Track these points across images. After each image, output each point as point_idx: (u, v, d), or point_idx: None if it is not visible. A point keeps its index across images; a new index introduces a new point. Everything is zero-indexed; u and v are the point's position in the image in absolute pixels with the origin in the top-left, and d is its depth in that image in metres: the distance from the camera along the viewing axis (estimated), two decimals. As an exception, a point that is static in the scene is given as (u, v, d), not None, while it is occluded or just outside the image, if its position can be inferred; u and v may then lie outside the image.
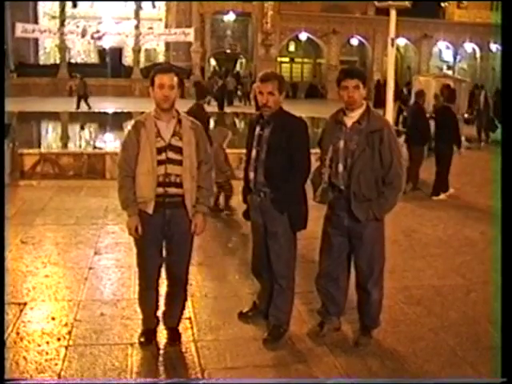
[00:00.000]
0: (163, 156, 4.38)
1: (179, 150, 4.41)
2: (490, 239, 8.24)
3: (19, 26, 43.17)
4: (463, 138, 20.77)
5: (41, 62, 48.40)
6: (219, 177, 8.28)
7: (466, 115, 22.36)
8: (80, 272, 6.43)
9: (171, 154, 4.39)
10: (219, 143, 9.33)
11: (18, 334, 4.88)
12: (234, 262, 6.96)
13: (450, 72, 49.49)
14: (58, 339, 4.82)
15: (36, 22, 46.66)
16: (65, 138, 19.13)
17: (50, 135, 20.93)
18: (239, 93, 38.28)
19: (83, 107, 27.90)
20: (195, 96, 9.49)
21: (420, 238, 8.32)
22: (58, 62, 45.60)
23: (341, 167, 4.59)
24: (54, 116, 25.04)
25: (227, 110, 30.00)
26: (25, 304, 5.50)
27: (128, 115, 23.17)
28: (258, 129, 4.76)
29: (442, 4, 65.94)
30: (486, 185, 12.01)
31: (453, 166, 11.63)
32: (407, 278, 6.56)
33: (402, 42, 48.80)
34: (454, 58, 55.15)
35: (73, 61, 47.90)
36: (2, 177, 9.79)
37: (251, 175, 4.76)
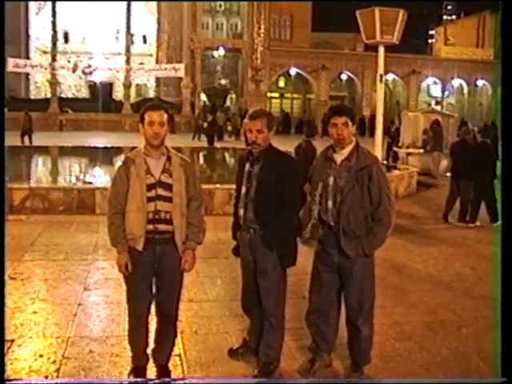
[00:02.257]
0: (153, 193, 4.39)
1: (169, 187, 4.42)
2: (480, 274, 8.25)
3: (11, 61, 43.40)
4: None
5: (32, 97, 48.66)
6: None
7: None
8: (69, 308, 6.38)
9: (161, 191, 4.40)
10: None
11: (4, 371, 4.82)
12: (224, 298, 6.92)
13: (438, 107, 50.08)
14: (46, 377, 4.75)
15: (27, 57, 47.01)
16: (55, 173, 19.11)
17: (40, 169, 20.91)
18: (229, 128, 38.49)
19: (29, 141, 27.09)
20: (305, 133, 9.76)
21: (410, 274, 8.31)
22: (48, 96, 45.90)
23: (330, 204, 4.62)
24: (43, 150, 25.05)
25: (217, 145, 30.10)
26: (12, 341, 5.43)
27: (118, 150, 23.25)
28: (247, 165, 4.79)
29: (430, 40, 66.85)
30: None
31: (444, 199, 11.73)
32: (398, 314, 6.54)
33: (390, 77, 49.47)
34: (442, 94, 55.90)
35: (63, 95, 48.23)
36: (2, 179, 9.67)
37: (241, 212, 4.77)
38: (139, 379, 4.29)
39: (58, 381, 4.19)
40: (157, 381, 4.28)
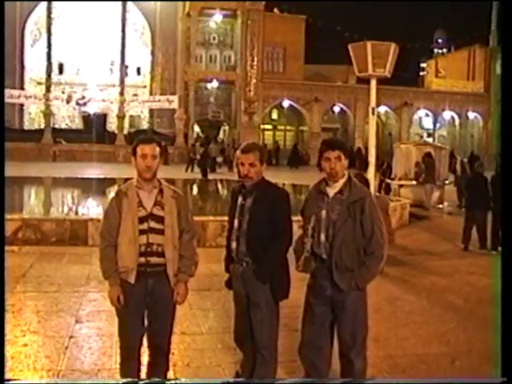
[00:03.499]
0: (145, 225, 4.41)
1: (161, 220, 4.44)
2: (474, 306, 8.25)
3: (5, 92, 43.59)
4: (445, 204, 21.11)
5: (25, 127, 48.75)
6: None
7: (446, 181, 22.68)
8: (60, 341, 6.33)
9: (153, 224, 4.43)
10: (385, 210, 9.66)
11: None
12: (216, 331, 6.89)
13: (430, 139, 50.44)
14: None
15: (22, 87, 47.22)
16: (47, 204, 19.07)
17: (33, 200, 20.88)
18: (222, 160, 38.58)
19: None
20: (358, 166, 9.87)
21: (403, 306, 8.30)
22: (42, 127, 45.97)
23: (323, 237, 4.64)
24: (37, 181, 25.05)
25: (210, 176, 30.15)
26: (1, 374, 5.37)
27: (112, 181, 23.27)
28: (240, 199, 4.81)
29: (421, 73, 67.52)
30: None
31: (437, 231, 11.79)
32: (391, 347, 6.52)
33: (383, 109, 49.86)
34: (434, 126, 56.36)
35: (57, 126, 48.36)
36: (3, 184, 9.62)
37: (233, 245, 4.79)
38: (146, 380, 4.25)
39: (58, 381, 4.16)
40: (164, 381, 4.25)
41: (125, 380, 4.24)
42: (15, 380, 4.04)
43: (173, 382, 4.30)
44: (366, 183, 9.09)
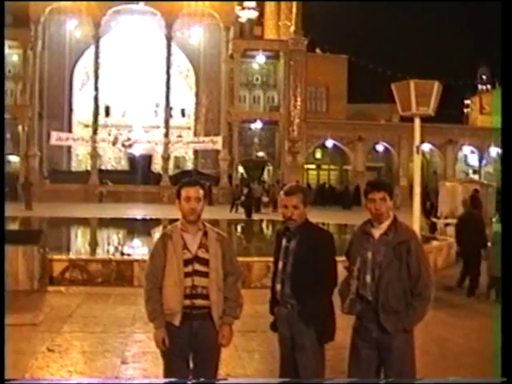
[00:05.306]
0: (190, 268, 4.44)
1: (206, 262, 4.46)
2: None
3: (54, 135, 44.86)
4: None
5: (73, 169, 49.75)
6: None
7: (493, 219, 22.25)
8: (106, 382, 6.34)
9: (198, 266, 4.45)
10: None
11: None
12: (262, 373, 6.82)
13: (476, 176, 49.71)
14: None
15: (70, 130, 48.34)
16: (94, 244, 19.33)
17: (80, 241, 21.19)
18: (266, 199, 38.57)
19: None
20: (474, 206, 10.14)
21: (452, 348, 8.12)
22: (89, 168, 46.81)
23: (368, 278, 4.60)
24: (83, 221, 25.44)
25: (255, 217, 30.17)
26: (49, 416, 5.41)
27: (156, 222, 23.51)
28: (284, 241, 4.81)
29: (465, 110, 66.96)
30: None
31: (485, 270, 11.60)
32: (440, 391, 6.35)
33: (427, 147, 49.38)
34: (480, 163, 55.52)
35: (103, 167, 49.21)
36: (3, 185, 9.78)
37: (278, 287, 4.78)
38: (146, 380, 4.22)
39: (58, 381, 4.14)
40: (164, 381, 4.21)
41: (139, 381, 4.22)
42: (15, 380, 4.03)
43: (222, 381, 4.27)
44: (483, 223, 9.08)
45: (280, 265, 4.78)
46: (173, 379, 4.33)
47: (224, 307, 4.53)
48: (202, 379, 4.32)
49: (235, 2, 48.57)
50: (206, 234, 4.55)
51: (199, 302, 4.43)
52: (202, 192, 4.51)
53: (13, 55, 47.59)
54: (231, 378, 4.23)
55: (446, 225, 20.89)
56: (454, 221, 20.67)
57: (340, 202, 43.09)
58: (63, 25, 47.16)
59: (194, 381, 4.34)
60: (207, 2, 46.43)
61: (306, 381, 4.57)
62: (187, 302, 4.41)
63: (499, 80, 67.46)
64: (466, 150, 55.49)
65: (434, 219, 22.11)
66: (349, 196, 44.14)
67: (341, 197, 44.90)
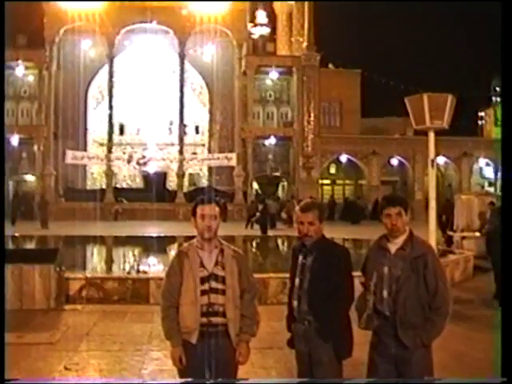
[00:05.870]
0: (206, 286, 4.44)
1: (222, 280, 4.46)
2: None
3: (69, 154, 45.12)
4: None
5: (88, 187, 49.94)
6: None
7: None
8: (123, 401, 6.33)
9: (214, 284, 4.45)
10: None
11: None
12: (279, 389, 6.78)
13: (491, 189, 49.37)
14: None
15: (85, 149, 48.62)
16: (110, 262, 19.36)
17: (96, 259, 21.25)
18: (283, 215, 38.43)
19: None
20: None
21: (471, 363, 8.03)
22: (104, 187, 46.99)
23: (385, 293, 4.58)
24: (99, 240, 25.50)
25: (270, 233, 30.13)
26: None
27: (172, 239, 23.52)
28: (300, 257, 4.81)
29: (480, 122, 66.69)
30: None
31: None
32: (460, 406, 6.27)
33: (441, 160, 49.13)
34: (495, 175, 55.10)
35: (118, 185, 49.38)
36: (2, 187, 9.80)
37: (295, 303, 4.77)
38: (147, 380, 4.21)
39: (58, 381, 4.13)
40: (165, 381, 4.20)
41: (139, 381, 4.21)
42: (15, 380, 4.01)
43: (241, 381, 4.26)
44: None
45: (297, 281, 4.78)
46: (189, 379, 4.34)
47: (241, 324, 4.52)
48: (220, 379, 4.31)
49: (247, 19, 48.81)
50: (222, 251, 4.55)
51: (216, 319, 4.43)
52: (217, 210, 4.52)
53: (28, 75, 48.03)
54: (251, 379, 4.20)
55: (463, 238, 20.76)
56: (471, 234, 20.62)
57: (349, 217, 42.83)
58: (77, 45, 47.56)
59: (212, 381, 4.33)
60: (219, 19, 46.64)
61: (320, 381, 4.54)
62: (204, 319, 4.41)
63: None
64: (482, 162, 55.15)
65: (451, 233, 21.96)
66: (358, 210, 44.03)
67: (349, 211, 44.61)
